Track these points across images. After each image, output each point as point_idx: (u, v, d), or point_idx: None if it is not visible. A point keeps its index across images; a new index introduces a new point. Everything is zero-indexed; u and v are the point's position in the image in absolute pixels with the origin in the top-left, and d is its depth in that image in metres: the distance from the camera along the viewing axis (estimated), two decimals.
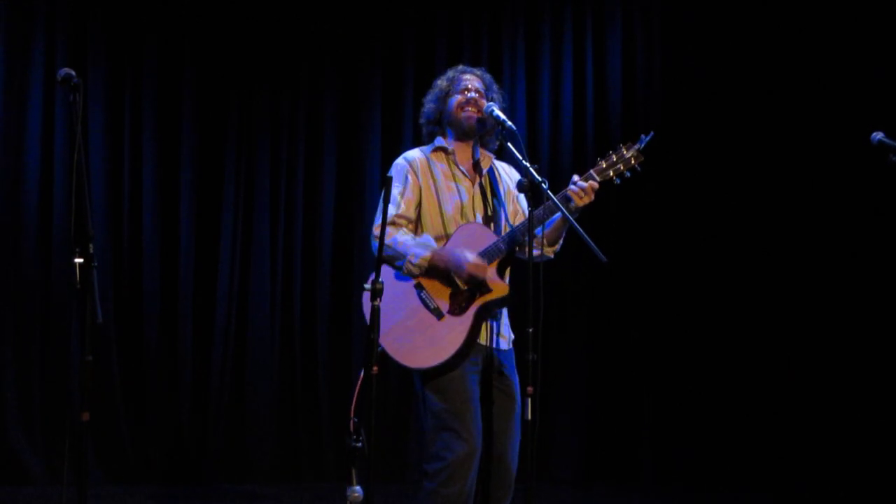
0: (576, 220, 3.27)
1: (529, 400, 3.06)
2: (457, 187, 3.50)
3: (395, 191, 3.47)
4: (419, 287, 3.36)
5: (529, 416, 3.06)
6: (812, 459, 5.79)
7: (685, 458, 5.96)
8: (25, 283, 5.58)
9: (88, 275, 2.85)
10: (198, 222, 5.86)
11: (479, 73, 3.60)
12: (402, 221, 3.46)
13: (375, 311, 3.00)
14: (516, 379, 3.48)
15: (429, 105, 3.62)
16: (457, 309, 3.35)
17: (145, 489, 5.49)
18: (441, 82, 3.60)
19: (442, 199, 3.48)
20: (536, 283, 3.10)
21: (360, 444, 2.98)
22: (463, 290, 3.34)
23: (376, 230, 3.35)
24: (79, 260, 2.86)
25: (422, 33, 6.11)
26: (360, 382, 3.13)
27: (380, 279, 3.04)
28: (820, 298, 5.91)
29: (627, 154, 3.37)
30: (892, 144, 3.40)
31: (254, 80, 5.93)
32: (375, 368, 2.99)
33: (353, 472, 3.04)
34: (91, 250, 2.87)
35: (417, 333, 3.33)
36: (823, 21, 5.97)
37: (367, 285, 3.07)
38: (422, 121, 3.66)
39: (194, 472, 5.71)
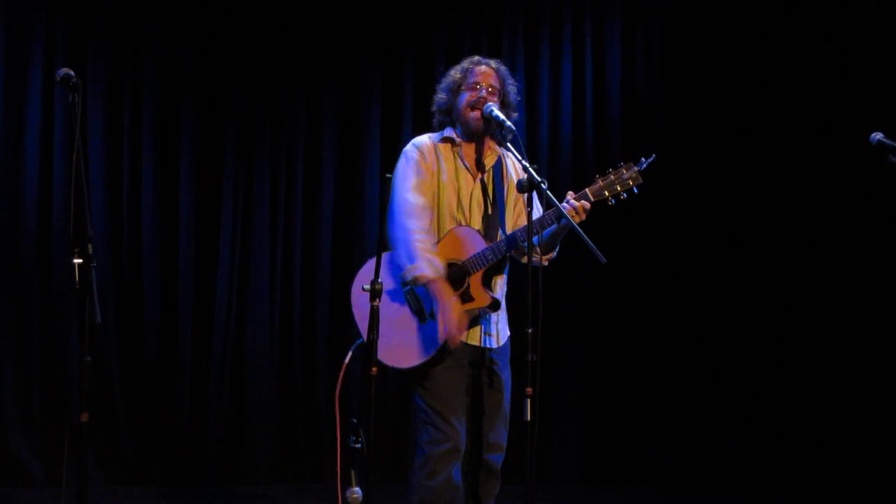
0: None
1: (528, 401, 3.06)
2: (458, 182, 3.50)
3: (414, 179, 3.43)
4: (406, 286, 3.36)
5: (528, 417, 3.06)
6: (813, 460, 5.79)
7: (685, 457, 5.95)
8: (25, 284, 5.56)
9: (88, 275, 2.85)
10: (197, 222, 5.84)
11: (494, 65, 3.55)
12: (426, 214, 3.40)
13: (375, 311, 3.01)
14: (508, 374, 3.49)
15: (441, 95, 3.59)
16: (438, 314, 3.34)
17: (145, 490, 5.49)
18: (455, 73, 3.57)
19: (441, 192, 3.48)
20: (536, 283, 3.11)
21: (359, 445, 2.99)
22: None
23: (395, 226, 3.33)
24: (78, 260, 2.86)
25: (421, 33, 6.11)
26: (342, 373, 3.15)
27: (378, 279, 3.04)
28: (820, 299, 5.90)
29: (626, 175, 3.36)
30: (892, 144, 3.40)
31: (253, 78, 5.92)
32: (374, 370, 3.00)
33: (353, 472, 3.04)
34: (90, 250, 2.87)
35: (399, 332, 3.34)
36: (824, 22, 5.96)
37: (367, 285, 3.07)
38: (433, 108, 3.63)
39: (194, 473, 5.70)
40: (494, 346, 3.47)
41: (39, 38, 5.62)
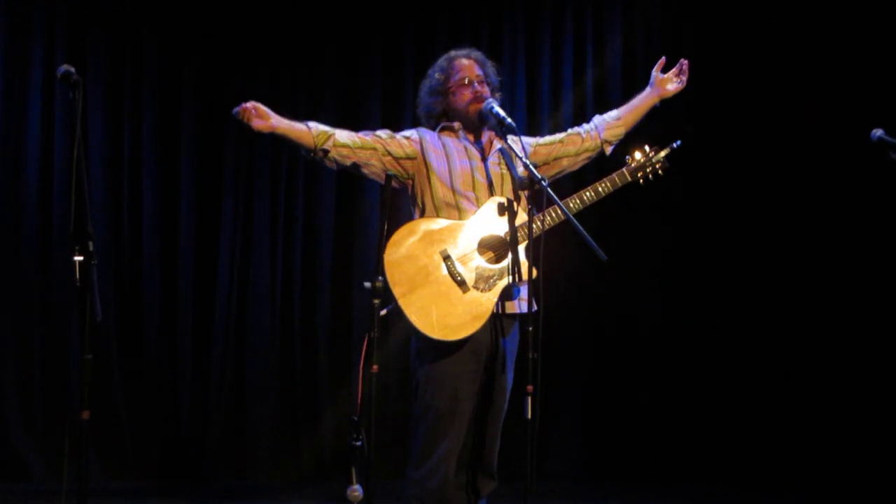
0: (577, 218, 3.30)
1: (529, 398, 3.06)
2: (468, 156, 3.53)
3: (391, 134, 3.57)
4: (446, 258, 3.33)
5: (529, 415, 3.06)
6: (814, 457, 5.79)
7: (686, 456, 5.95)
8: (25, 281, 5.58)
9: (88, 272, 2.87)
10: (198, 220, 5.85)
11: (473, 55, 3.64)
12: (351, 137, 3.53)
13: (374, 310, 3.01)
14: (511, 377, 3.50)
15: (428, 99, 3.65)
16: (482, 285, 3.34)
17: (145, 485, 5.50)
18: (436, 75, 3.64)
19: (452, 165, 3.49)
20: (537, 280, 3.12)
21: (359, 443, 2.99)
22: (492, 266, 3.35)
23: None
24: (78, 258, 2.87)
25: (421, 32, 6.10)
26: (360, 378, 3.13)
27: (378, 278, 3.05)
28: (821, 297, 5.89)
29: (654, 158, 3.63)
30: (892, 141, 3.40)
31: (254, 77, 5.93)
32: (375, 367, 3.00)
33: (353, 470, 3.05)
34: (91, 248, 2.88)
35: (441, 303, 3.28)
36: (825, 18, 5.95)
37: (367, 284, 3.07)
38: (421, 112, 3.67)
39: (194, 469, 5.71)
40: (526, 310, 3.35)
41: (39, 38, 5.62)
